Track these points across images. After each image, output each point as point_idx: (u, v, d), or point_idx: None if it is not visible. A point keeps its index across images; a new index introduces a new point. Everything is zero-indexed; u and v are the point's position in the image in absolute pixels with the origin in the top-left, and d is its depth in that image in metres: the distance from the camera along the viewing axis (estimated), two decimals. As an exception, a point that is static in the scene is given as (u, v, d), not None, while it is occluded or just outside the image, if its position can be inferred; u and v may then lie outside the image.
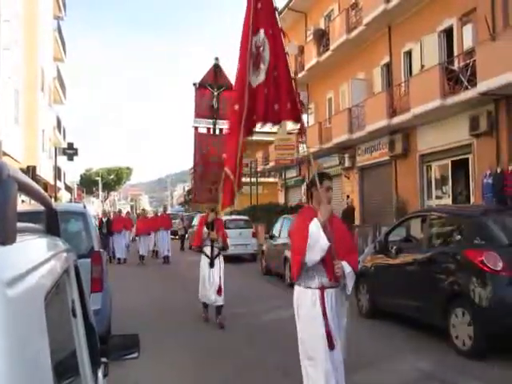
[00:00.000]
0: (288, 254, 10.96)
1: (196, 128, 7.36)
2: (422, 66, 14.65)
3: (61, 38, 31.81)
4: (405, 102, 14.69)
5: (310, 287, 3.42)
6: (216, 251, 7.20)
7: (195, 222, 23.10)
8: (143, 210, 22.94)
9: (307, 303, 3.41)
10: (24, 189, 0.89)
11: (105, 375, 1.93)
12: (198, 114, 7.33)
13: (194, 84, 7.38)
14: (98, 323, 3.06)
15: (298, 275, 3.44)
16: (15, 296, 0.63)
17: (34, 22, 23.33)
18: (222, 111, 7.08)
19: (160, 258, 17.14)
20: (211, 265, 7.11)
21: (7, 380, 0.55)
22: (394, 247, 7.05)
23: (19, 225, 0.89)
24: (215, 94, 7.30)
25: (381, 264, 7.25)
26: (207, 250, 7.21)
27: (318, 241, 3.27)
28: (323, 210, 3.39)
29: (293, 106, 3.92)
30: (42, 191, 1.25)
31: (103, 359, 1.86)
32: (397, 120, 15.13)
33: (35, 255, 0.91)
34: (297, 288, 3.52)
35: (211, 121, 7.29)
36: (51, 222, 1.39)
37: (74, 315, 1.33)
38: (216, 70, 7.43)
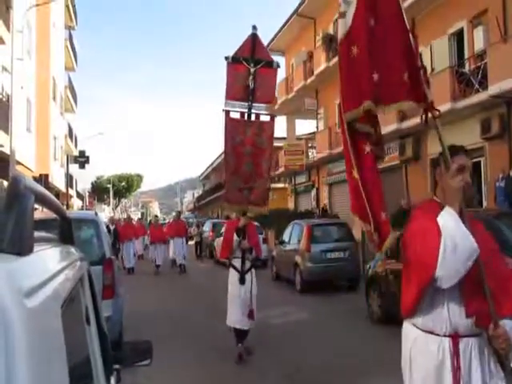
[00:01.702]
0: (299, 259, 10.94)
1: (227, 112, 5.90)
2: (432, 70, 14.57)
3: (72, 48, 32.30)
4: (415, 106, 14.59)
5: (432, 332, 2.09)
6: (248, 264, 5.95)
7: (206, 227, 22.99)
8: (156, 216, 21.65)
9: (428, 357, 2.12)
10: (40, 199, 0.90)
11: (117, 382, 1.93)
12: (230, 96, 5.91)
13: (226, 58, 5.95)
14: (109, 330, 3.08)
15: (414, 307, 2.15)
16: (34, 306, 0.64)
17: (46, 33, 23.74)
18: (259, 92, 5.89)
19: (177, 267, 16.17)
20: (241, 281, 5.84)
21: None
22: (406, 252, 6.99)
23: (36, 235, 0.90)
24: (252, 70, 5.88)
25: (392, 269, 7.19)
26: (237, 262, 5.94)
27: (457, 242, 1.94)
28: (454, 200, 2.08)
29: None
30: (57, 201, 1.27)
31: (116, 366, 1.87)
32: (407, 124, 15.04)
33: (51, 265, 0.92)
34: (407, 326, 2.26)
35: (245, 104, 5.89)
36: (65, 231, 1.40)
37: (88, 322, 1.34)
38: (254, 41, 5.96)
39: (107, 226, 16.15)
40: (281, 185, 29.92)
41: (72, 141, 33.76)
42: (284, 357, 5.74)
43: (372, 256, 10.10)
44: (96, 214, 6.39)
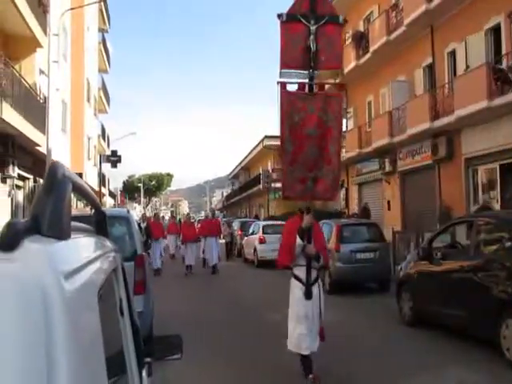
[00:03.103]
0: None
1: (283, 85, 4.69)
2: (467, 66, 14.13)
3: (105, 50, 33.14)
4: (448, 104, 14.20)
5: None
6: (314, 274, 4.81)
7: (234, 227, 22.14)
8: (188, 214, 20.77)
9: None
10: (77, 189, 0.92)
11: (149, 375, 1.96)
12: (286, 63, 4.68)
13: (279, 16, 4.72)
14: (141, 325, 3.13)
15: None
16: (72, 288, 0.65)
17: (80, 36, 24.43)
18: (324, 56, 4.68)
19: (209, 267, 15.39)
20: (308, 295, 4.73)
21: (67, 368, 0.56)
22: (439, 253, 6.80)
23: (72, 224, 0.92)
24: (312, 29, 4.64)
25: (424, 271, 7.01)
26: (301, 272, 4.80)
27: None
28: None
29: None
30: (93, 194, 1.29)
31: (147, 359, 1.90)
32: (440, 122, 14.64)
33: (87, 252, 0.94)
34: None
35: (306, 72, 4.64)
36: (100, 224, 1.43)
37: (122, 314, 1.36)
38: None
39: (139, 224, 14.63)
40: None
41: (105, 141, 34.62)
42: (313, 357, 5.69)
43: (403, 257, 9.89)
44: (128, 211, 6.52)
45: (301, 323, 4.73)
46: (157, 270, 14.61)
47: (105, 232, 1.43)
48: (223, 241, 20.60)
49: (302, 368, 4.83)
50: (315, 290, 4.79)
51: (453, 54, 15.44)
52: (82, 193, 1.02)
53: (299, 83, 4.77)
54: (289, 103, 4.64)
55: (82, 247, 0.94)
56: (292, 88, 4.78)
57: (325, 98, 4.73)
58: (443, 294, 6.40)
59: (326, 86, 5.30)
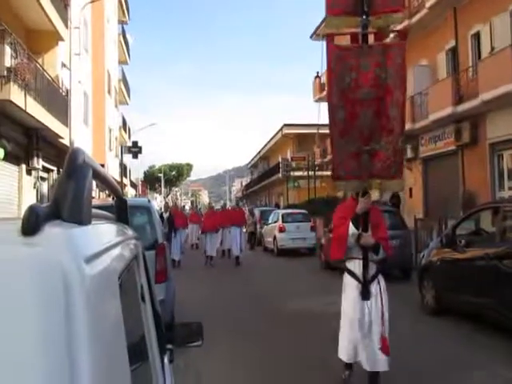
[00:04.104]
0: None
1: (330, 38, 3.82)
2: (492, 49, 13.68)
3: (125, 42, 33.35)
4: (472, 88, 13.81)
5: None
6: (373, 269, 4.02)
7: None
8: (210, 203, 20.33)
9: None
10: (97, 176, 0.93)
11: (170, 361, 2.00)
12: (334, 9, 3.78)
13: None
14: (162, 313, 3.19)
15: None
16: (93, 272, 0.66)
17: (100, 28, 24.62)
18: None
19: (231, 258, 14.99)
20: (365, 295, 3.94)
21: (89, 353, 0.57)
22: (463, 241, 6.68)
23: (93, 211, 0.93)
24: None
25: (448, 258, 6.90)
26: (355, 266, 4.05)
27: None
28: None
29: None
30: (114, 181, 1.30)
31: (168, 346, 1.93)
32: (463, 107, 14.26)
33: (108, 238, 0.95)
34: None
35: (359, 19, 3.71)
36: (121, 211, 1.45)
37: (143, 300, 1.38)
38: None
39: (160, 215, 13.25)
40: (329, 172, 29.47)
41: (126, 132, 35.02)
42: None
43: (425, 245, 9.75)
44: (149, 200, 6.60)
45: (354, 329, 3.91)
46: (177, 261, 13.94)
47: (126, 220, 1.45)
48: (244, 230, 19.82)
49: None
50: (374, 288, 3.97)
51: (477, 36, 14.96)
52: (102, 180, 1.03)
53: (351, 34, 3.81)
54: (338, 60, 3.68)
55: (103, 233, 0.95)
56: (342, 41, 3.77)
57: (383, 49, 3.70)
58: (467, 282, 6.29)
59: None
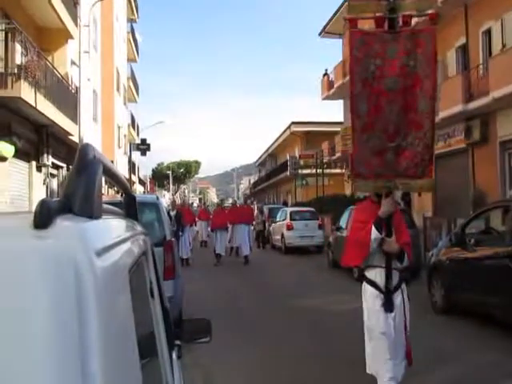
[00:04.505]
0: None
1: (353, 22, 3.49)
2: (504, 46, 13.52)
3: (134, 39, 33.48)
4: (483, 86, 13.66)
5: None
6: (396, 278, 3.64)
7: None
8: (221, 200, 19.25)
9: None
10: (107, 172, 0.93)
11: (178, 357, 2.01)
12: None
13: None
14: (170, 310, 3.20)
15: None
16: (104, 265, 0.67)
17: (110, 26, 24.75)
18: None
19: (240, 256, 14.73)
20: (388, 307, 3.58)
21: (100, 345, 0.58)
22: (472, 240, 6.63)
23: (103, 206, 0.94)
24: None
25: (457, 257, 6.85)
26: (376, 275, 3.64)
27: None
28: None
29: None
30: (123, 177, 1.31)
31: (177, 342, 1.94)
32: (474, 105, 14.12)
33: (118, 232, 0.96)
34: None
35: (384, 3, 3.42)
36: (130, 207, 1.46)
37: (152, 296, 1.39)
38: None
39: (168, 212, 12.58)
40: (337, 170, 29.40)
41: (134, 129, 35.19)
42: (345, 346, 5.69)
43: (434, 244, 9.68)
44: (157, 197, 6.63)
45: (381, 344, 3.57)
46: (186, 259, 13.62)
47: (135, 216, 1.45)
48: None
49: None
50: (398, 299, 3.61)
51: (488, 33, 14.79)
52: (111, 176, 1.04)
53: (375, 18, 3.44)
54: (362, 46, 3.32)
55: (113, 227, 0.96)
56: (366, 27, 3.45)
57: (411, 35, 3.33)
58: (476, 282, 6.24)
59: (414, 20, 3.76)
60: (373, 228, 3.49)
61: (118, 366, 0.65)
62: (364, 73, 3.34)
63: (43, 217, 0.63)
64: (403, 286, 3.70)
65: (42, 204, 0.64)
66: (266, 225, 20.39)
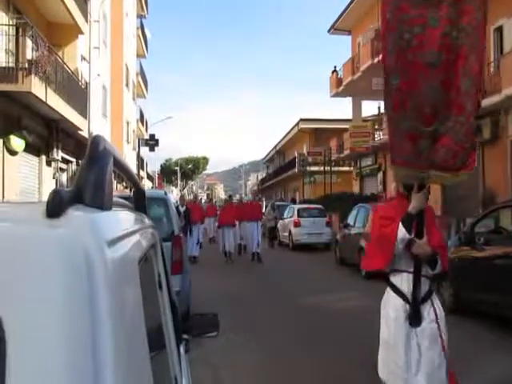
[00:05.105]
0: (364, 243, 10.69)
1: None
2: (517, 43, 13.35)
3: (143, 35, 33.56)
4: (494, 83, 13.51)
5: None
6: (426, 286, 3.04)
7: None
8: (230, 196, 17.93)
9: None
10: (117, 164, 0.94)
11: (186, 351, 2.01)
12: None
13: None
14: (178, 304, 3.22)
15: None
16: (115, 255, 0.67)
17: (119, 22, 24.83)
18: None
19: (247, 253, 14.36)
20: (414, 320, 2.95)
21: (111, 335, 0.58)
22: (482, 239, 6.57)
23: (113, 199, 0.94)
24: None
25: (466, 256, 6.80)
26: (402, 281, 3.06)
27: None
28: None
29: None
30: (133, 170, 1.31)
31: (184, 336, 1.95)
32: (485, 103, 13.96)
33: (128, 224, 0.96)
34: None
35: None
36: (139, 201, 1.46)
37: (161, 288, 1.40)
38: None
39: (177, 208, 11.98)
40: (345, 168, 29.29)
41: (143, 125, 35.33)
42: (352, 344, 5.68)
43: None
44: (166, 193, 6.66)
45: (400, 365, 2.89)
46: (194, 257, 13.08)
47: (144, 209, 1.46)
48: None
49: None
50: (427, 312, 2.95)
51: (499, 30, 14.60)
52: (121, 168, 1.04)
53: None
54: (396, 11, 2.83)
55: (123, 219, 0.96)
56: None
57: (456, 0, 2.77)
58: (486, 281, 6.19)
59: None
60: (400, 226, 2.92)
61: (128, 356, 0.65)
62: (398, 41, 2.81)
63: (55, 206, 0.63)
64: (433, 296, 3.06)
65: (55, 194, 0.65)
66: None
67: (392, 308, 3.04)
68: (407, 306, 2.96)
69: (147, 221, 1.39)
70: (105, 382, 0.55)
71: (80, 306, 0.56)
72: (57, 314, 0.55)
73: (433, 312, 2.96)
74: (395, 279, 3.08)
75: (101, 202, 0.73)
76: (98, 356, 0.55)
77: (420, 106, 2.81)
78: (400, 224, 2.93)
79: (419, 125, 2.82)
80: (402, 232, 2.92)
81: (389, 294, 3.11)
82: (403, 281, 3.04)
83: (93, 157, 0.75)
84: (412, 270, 2.99)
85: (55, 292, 0.56)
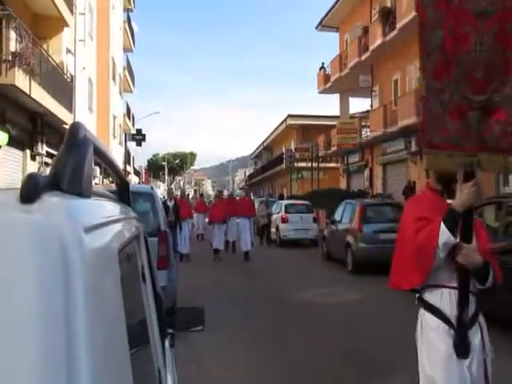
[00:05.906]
0: (350, 239, 10.76)
1: None
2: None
3: (130, 29, 33.16)
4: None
5: None
6: (473, 306, 2.31)
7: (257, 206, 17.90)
8: (220, 191, 17.02)
9: None
10: (98, 153, 0.92)
11: (171, 345, 2.00)
12: None
13: None
14: (164, 299, 3.20)
15: None
16: (92, 242, 0.65)
17: (105, 15, 24.47)
18: None
19: (237, 252, 14.00)
20: (463, 351, 2.25)
21: (87, 322, 0.56)
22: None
23: (95, 189, 0.92)
24: None
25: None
26: (443, 300, 2.32)
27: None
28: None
29: None
30: (116, 161, 1.29)
31: (170, 330, 1.93)
32: (470, 101, 14.15)
33: (109, 213, 0.94)
34: None
35: None
36: (123, 192, 1.44)
37: (144, 280, 1.38)
38: None
39: (164, 202, 11.42)
40: (332, 164, 29.44)
41: (130, 119, 34.98)
42: (338, 334, 5.72)
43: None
44: (152, 188, 6.61)
45: None
46: (185, 255, 12.65)
47: (128, 201, 1.44)
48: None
49: None
50: (475, 336, 2.32)
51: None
52: (103, 158, 1.02)
53: None
54: None
55: (103, 208, 0.94)
56: None
57: None
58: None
59: None
60: (442, 227, 2.22)
61: (105, 347, 0.64)
62: None
63: (30, 191, 0.61)
64: (481, 317, 2.38)
65: (30, 178, 0.63)
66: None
67: (435, 336, 2.32)
68: (451, 331, 2.28)
69: (131, 212, 1.37)
70: (79, 373, 0.53)
71: (54, 292, 0.54)
72: (30, 299, 0.53)
73: (480, 339, 2.31)
74: (433, 297, 2.36)
75: (79, 189, 0.71)
76: (72, 346, 0.53)
77: (469, 68, 2.17)
78: (442, 225, 2.23)
79: (468, 93, 2.20)
80: (445, 235, 2.21)
81: (425, 316, 2.40)
82: (444, 299, 2.32)
83: (71, 143, 0.73)
84: (455, 284, 2.30)
85: (28, 277, 0.54)
